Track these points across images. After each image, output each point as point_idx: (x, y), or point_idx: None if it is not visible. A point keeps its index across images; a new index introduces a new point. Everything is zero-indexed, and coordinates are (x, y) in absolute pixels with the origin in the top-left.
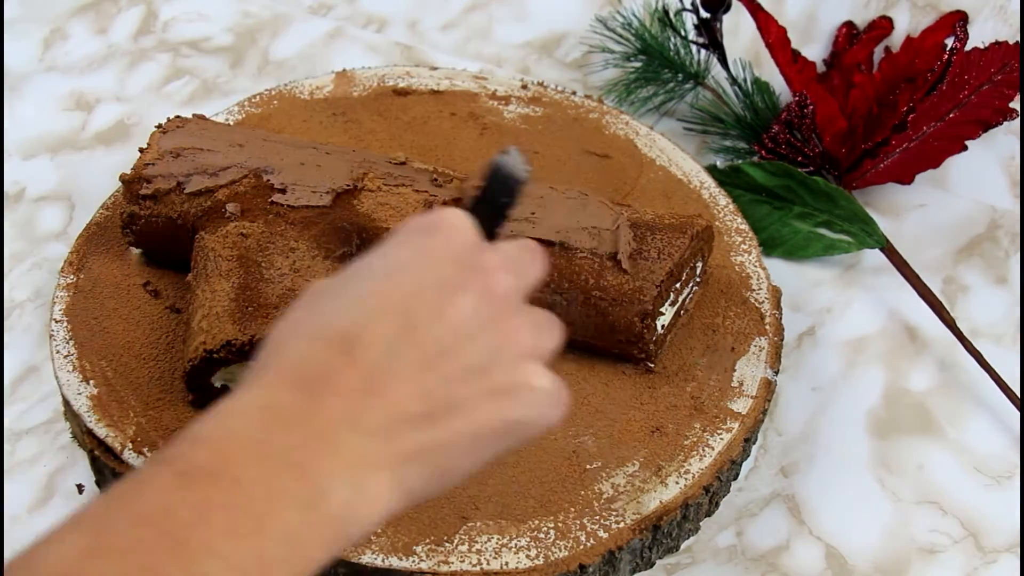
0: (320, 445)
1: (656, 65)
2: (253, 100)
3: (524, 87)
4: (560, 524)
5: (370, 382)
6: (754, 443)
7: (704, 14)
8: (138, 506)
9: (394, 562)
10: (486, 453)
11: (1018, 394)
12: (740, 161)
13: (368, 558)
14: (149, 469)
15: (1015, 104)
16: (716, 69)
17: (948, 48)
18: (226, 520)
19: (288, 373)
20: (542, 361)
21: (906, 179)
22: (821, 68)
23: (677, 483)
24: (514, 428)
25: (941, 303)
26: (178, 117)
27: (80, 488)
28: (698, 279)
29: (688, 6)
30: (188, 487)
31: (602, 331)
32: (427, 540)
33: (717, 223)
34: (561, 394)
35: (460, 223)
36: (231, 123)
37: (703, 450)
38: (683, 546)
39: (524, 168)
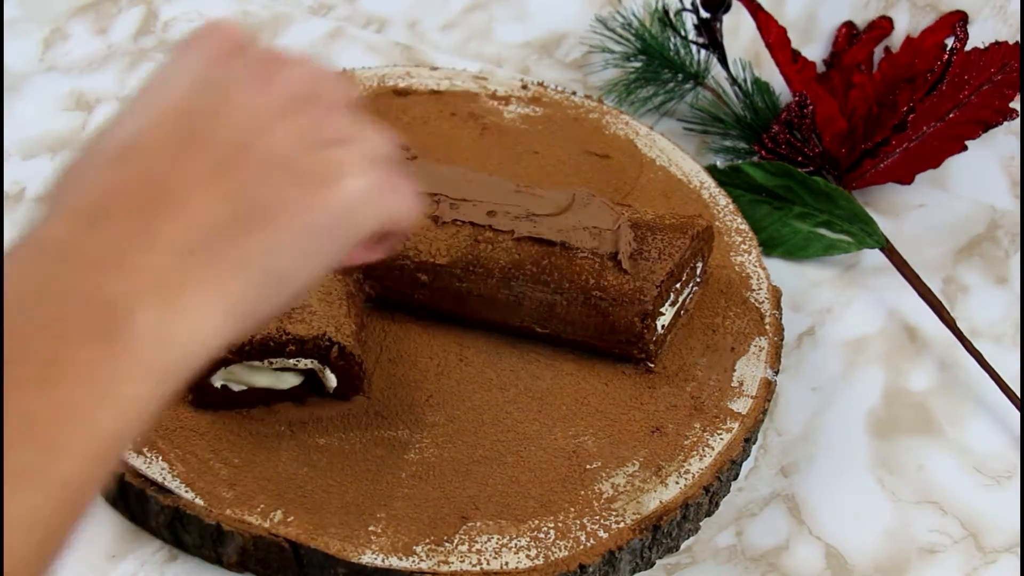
0: (108, 272)
1: (656, 65)
2: None
3: (524, 87)
4: (560, 524)
5: (158, 196)
6: (754, 443)
7: (704, 14)
8: None
9: (394, 562)
10: (318, 253)
11: (1018, 394)
12: (740, 161)
13: (368, 558)
14: None
15: (1015, 104)
16: (716, 69)
17: (948, 48)
18: (17, 374)
19: (66, 204)
20: (353, 128)
21: (906, 179)
22: (821, 68)
23: (677, 483)
24: (341, 220)
25: (941, 303)
26: None
27: None
28: (698, 279)
29: (688, 6)
30: None
31: (602, 331)
32: (427, 540)
33: (717, 223)
34: (391, 178)
35: (227, 25)
36: None
37: (703, 450)
38: (683, 546)
39: None
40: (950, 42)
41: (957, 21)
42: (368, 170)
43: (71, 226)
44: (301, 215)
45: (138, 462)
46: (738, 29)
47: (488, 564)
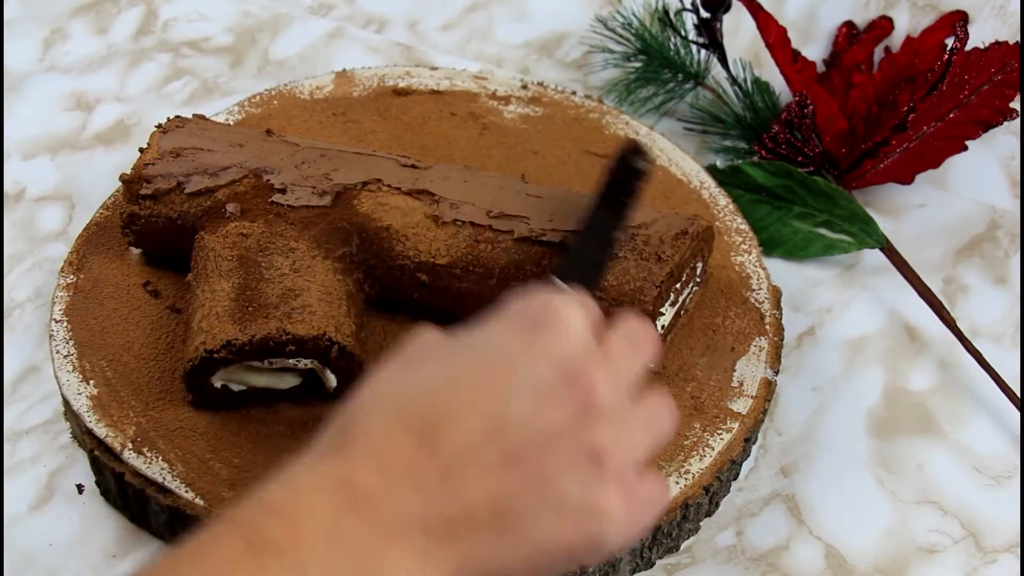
0: (389, 538)
1: (656, 65)
2: (253, 100)
3: (524, 87)
4: None
5: (447, 476)
6: (754, 443)
7: (704, 14)
8: (205, 570)
9: None
10: (543, 571)
11: (1018, 394)
12: (740, 161)
13: None
14: (220, 529)
15: (1015, 104)
16: (716, 69)
17: (948, 48)
18: None
19: (368, 451)
20: (633, 471)
21: (906, 179)
22: (821, 68)
23: (677, 483)
24: (576, 552)
25: (941, 303)
26: (178, 117)
27: (80, 488)
28: (698, 279)
29: (688, 6)
30: (255, 560)
31: None
32: None
33: (717, 223)
34: (636, 518)
35: (574, 321)
36: (231, 123)
37: (703, 450)
38: (683, 546)
39: (646, 163)
40: (950, 42)
41: (957, 21)
42: (617, 509)
43: (371, 476)
44: (545, 539)
45: (138, 462)
46: (738, 29)
47: None
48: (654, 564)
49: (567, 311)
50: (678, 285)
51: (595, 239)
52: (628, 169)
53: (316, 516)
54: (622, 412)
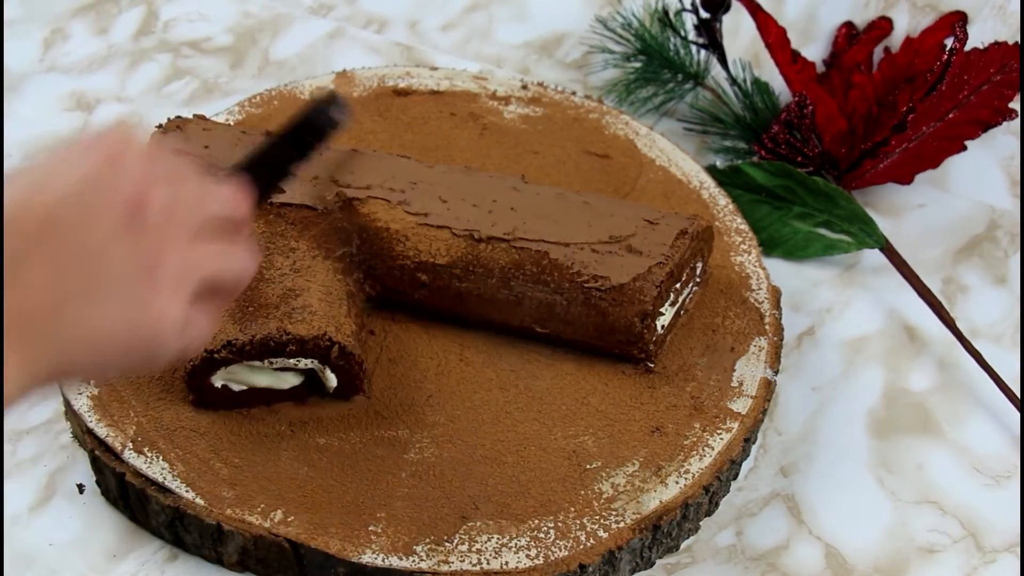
0: None
1: (656, 65)
2: (253, 100)
3: (524, 87)
4: (560, 524)
5: (8, 273)
6: (754, 443)
7: (704, 14)
8: None
9: (394, 562)
10: (111, 359)
11: (1018, 394)
12: (740, 161)
13: (368, 558)
14: None
15: (1014, 104)
16: (716, 69)
17: (947, 48)
18: None
19: None
20: (191, 292)
21: (906, 179)
22: (821, 68)
23: (677, 483)
24: (134, 345)
25: (940, 303)
26: (178, 117)
27: (80, 488)
28: (698, 279)
29: (688, 6)
30: None
31: (602, 331)
32: (427, 540)
33: (717, 223)
34: (187, 331)
35: (135, 141)
36: (231, 123)
37: (703, 450)
38: (683, 546)
39: (342, 114)
40: (950, 42)
41: (957, 21)
42: (182, 304)
43: None
44: (103, 327)
45: (139, 462)
46: (738, 29)
47: (488, 564)
48: (654, 564)
49: (133, 133)
50: (678, 285)
51: (269, 162)
52: (324, 116)
53: None
54: (185, 224)
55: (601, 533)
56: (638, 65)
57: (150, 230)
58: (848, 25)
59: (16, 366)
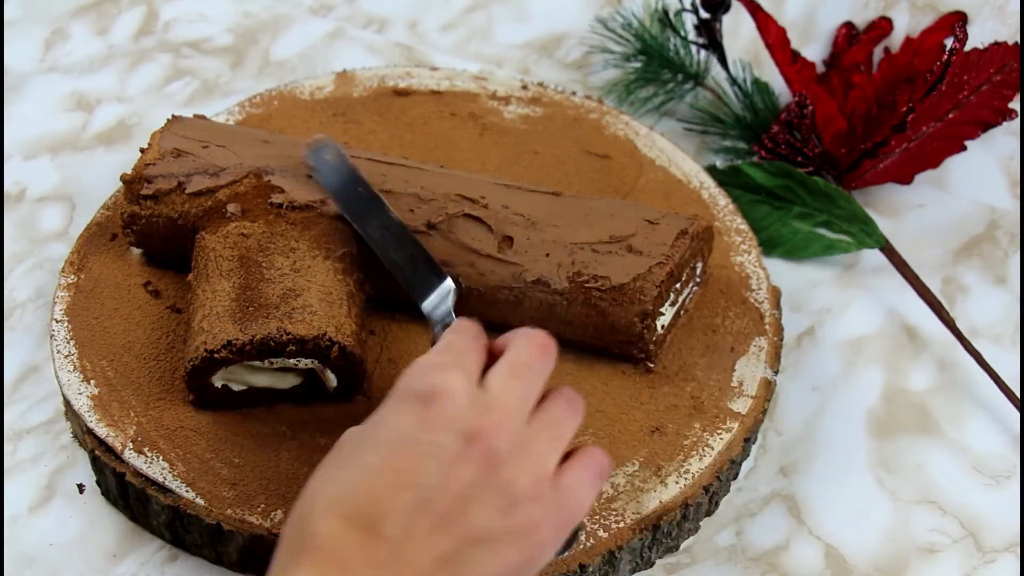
0: None
1: (656, 65)
2: (253, 100)
3: (524, 87)
4: None
5: (395, 553)
6: (754, 443)
7: (704, 14)
8: None
9: None
10: None
11: (1018, 394)
12: (740, 161)
13: None
14: None
15: (1014, 104)
16: (716, 69)
17: (947, 48)
18: None
19: (323, 554)
20: (548, 484)
21: (905, 179)
22: (821, 68)
23: (677, 483)
24: (523, 570)
25: (940, 303)
26: (179, 117)
27: (80, 488)
28: (698, 279)
29: (688, 6)
30: None
31: (602, 331)
32: None
33: (717, 223)
34: (563, 521)
35: (452, 384)
36: (232, 123)
37: (703, 450)
38: (683, 546)
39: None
40: (949, 42)
41: (956, 21)
42: (540, 526)
43: (325, 570)
44: (485, 572)
45: (138, 462)
46: (738, 29)
47: None
48: (654, 564)
49: (443, 379)
50: (678, 285)
51: (394, 241)
52: (344, 172)
53: None
54: (522, 441)
55: (601, 533)
56: (638, 65)
57: (503, 471)
58: (848, 25)
59: None
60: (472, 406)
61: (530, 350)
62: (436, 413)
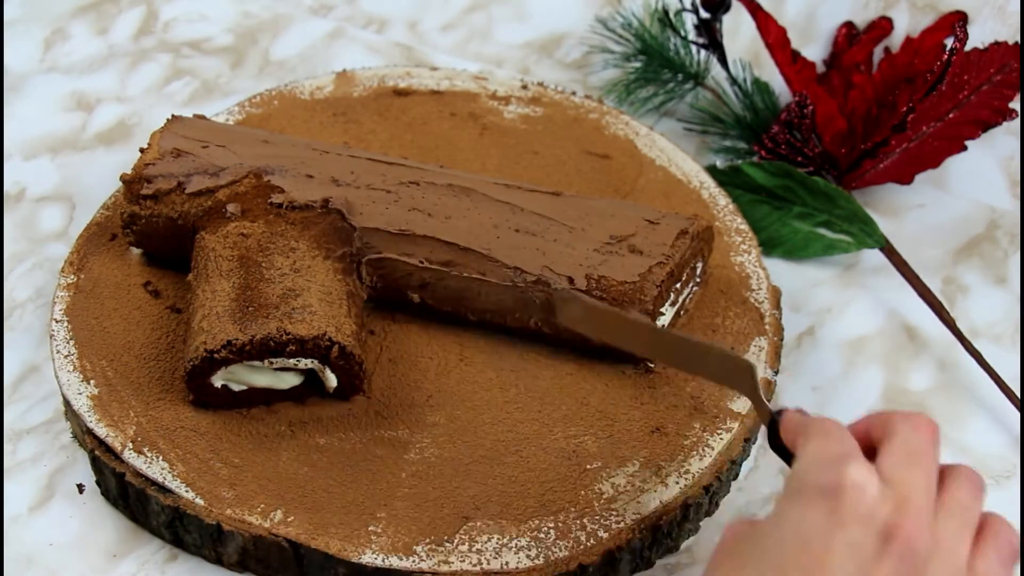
0: None
1: (656, 65)
2: (253, 100)
3: (524, 87)
4: (560, 524)
5: None
6: (754, 443)
7: (704, 14)
8: None
9: (394, 562)
10: None
11: (1018, 394)
12: (740, 161)
13: (368, 558)
14: None
15: (1014, 104)
16: (716, 69)
17: (948, 48)
18: None
19: None
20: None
21: (905, 179)
22: (821, 68)
23: (677, 483)
24: None
25: (941, 303)
26: (178, 117)
27: (80, 488)
28: (698, 279)
29: (688, 6)
30: None
31: None
32: (427, 540)
33: (717, 223)
34: None
35: (861, 477)
36: (231, 123)
37: (703, 450)
38: (683, 546)
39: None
40: (950, 42)
41: (957, 21)
42: None
43: None
44: None
45: (138, 462)
46: (738, 29)
47: (488, 564)
48: (654, 564)
49: (850, 471)
50: (678, 285)
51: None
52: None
53: None
54: (936, 534)
55: (601, 533)
56: (638, 65)
57: (923, 563)
58: (848, 25)
59: None
60: (882, 500)
61: (920, 435)
62: (848, 508)
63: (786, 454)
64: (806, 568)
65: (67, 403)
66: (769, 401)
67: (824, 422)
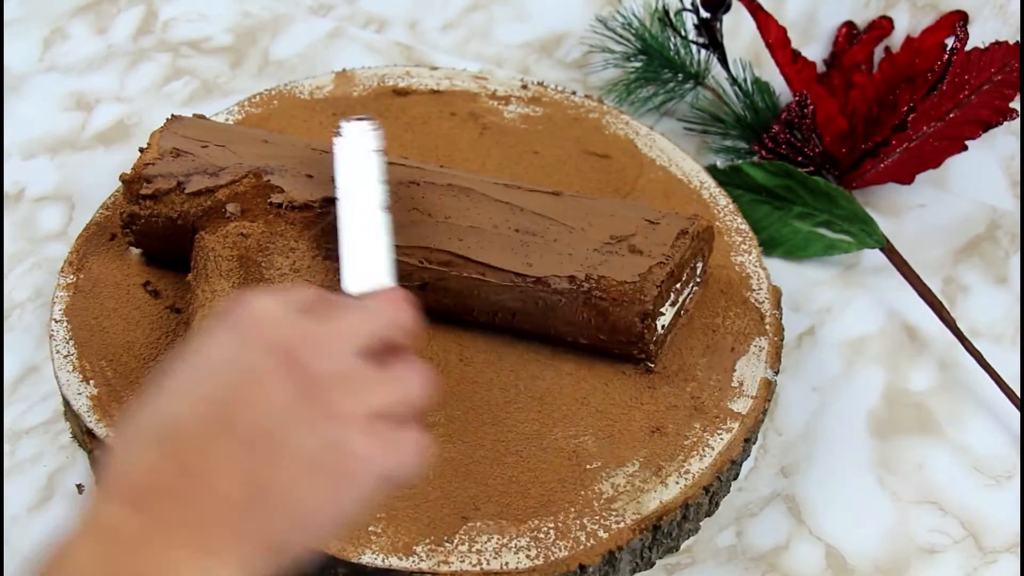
0: (156, 551)
1: (656, 65)
2: (253, 100)
3: (524, 87)
4: (560, 524)
5: (192, 476)
6: (754, 443)
7: (704, 14)
8: None
9: (394, 562)
10: (319, 528)
11: (1018, 394)
12: (740, 161)
13: (368, 558)
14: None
15: (1015, 104)
16: (716, 69)
17: (948, 48)
18: None
19: (119, 486)
20: (381, 422)
21: (906, 179)
22: (821, 68)
23: (677, 483)
24: (341, 499)
25: (941, 303)
26: (178, 117)
27: (80, 488)
28: (698, 279)
29: (688, 6)
30: None
31: (602, 331)
32: (427, 540)
33: (717, 223)
34: (395, 458)
35: (270, 309)
36: (231, 123)
37: (703, 450)
38: (683, 546)
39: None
40: (950, 42)
41: (957, 21)
42: (358, 443)
43: (122, 513)
44: (302, 498)
45: None
46: (738, 29)
47: (488, 564)
48: (654, 564)
49: (260, 303)
50: (678, 285)
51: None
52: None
53: (87, 564)
54: (349, 372)
55: (601, 533)
56: (638, 65)
57: (319, 390)
58: (848, 25)
59: (228, 567)
60: (290, 329)
61: (382, 300)
62: (249, 333)
63: None
64: (201, 387)
65: (67, 403)
66: (769, 402)
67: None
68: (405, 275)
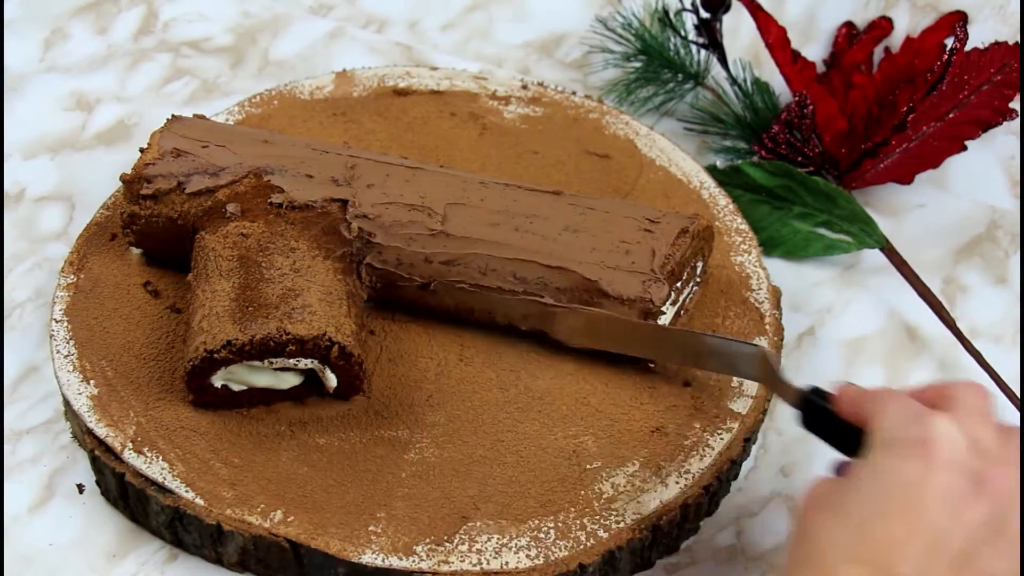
0: None
1: (656, 65)
2: (253, 100)
3: (524, 87)
4: (560, 524)
5: None
6: (754, 443)
7: (704, 14)
8: None
9: (394, 562)
10: None
11: (1018, 394)
12: (740, 161)
13: (368, 558)
14: None
15: (1015, 104)
16: (716, 69)
17: (948, 48)
18: None
19: None
20: None
21: (906, 179)
22: (821, 68)
23: (677, 483)
24: None
25: (941, 303)
26: (178, 117)
27: (80, 488)
28: (698, 279)
29: (688, 6)
30: None
31: None
32: (427, 540)
33: (717, 223)
34: None
35: (950, 431)
36: (231, 123)
37: (703, 450)
38: (683, 546)
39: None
40: (950, 42)
41: (957, 21)
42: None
43: None
44: None
45: (138, 462)
46: (738, 29)
47: (488, 564)
48: (654, 564)
49: (937, 424)
50: (678, 284)
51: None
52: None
53: None
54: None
55: (601, 533)
56: (638, 65)
57: (1011, 504)
58: (848, 25)
59: None
60: (969, 448)
61: (980, 399)
62: (941, 456)
63: (825, 432)
64: (905, 510)
65: (67, 403)
66: (769, 401)
67: (889, 390)
68: (405, 275)
